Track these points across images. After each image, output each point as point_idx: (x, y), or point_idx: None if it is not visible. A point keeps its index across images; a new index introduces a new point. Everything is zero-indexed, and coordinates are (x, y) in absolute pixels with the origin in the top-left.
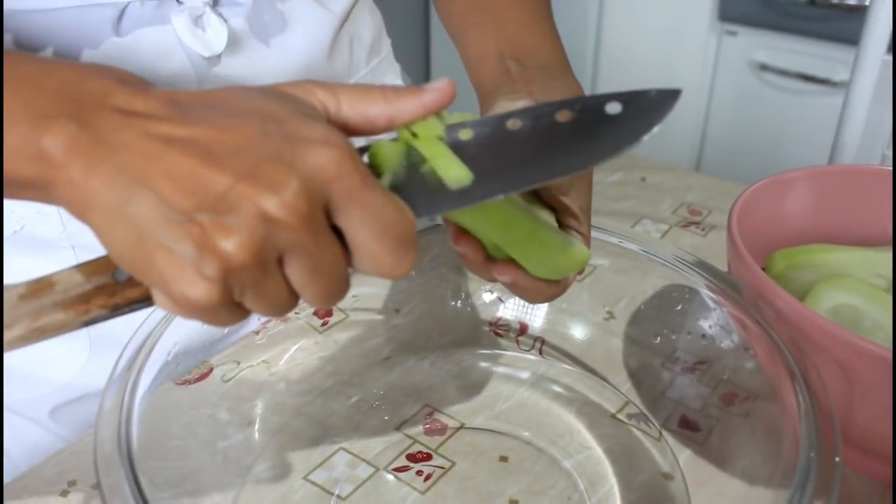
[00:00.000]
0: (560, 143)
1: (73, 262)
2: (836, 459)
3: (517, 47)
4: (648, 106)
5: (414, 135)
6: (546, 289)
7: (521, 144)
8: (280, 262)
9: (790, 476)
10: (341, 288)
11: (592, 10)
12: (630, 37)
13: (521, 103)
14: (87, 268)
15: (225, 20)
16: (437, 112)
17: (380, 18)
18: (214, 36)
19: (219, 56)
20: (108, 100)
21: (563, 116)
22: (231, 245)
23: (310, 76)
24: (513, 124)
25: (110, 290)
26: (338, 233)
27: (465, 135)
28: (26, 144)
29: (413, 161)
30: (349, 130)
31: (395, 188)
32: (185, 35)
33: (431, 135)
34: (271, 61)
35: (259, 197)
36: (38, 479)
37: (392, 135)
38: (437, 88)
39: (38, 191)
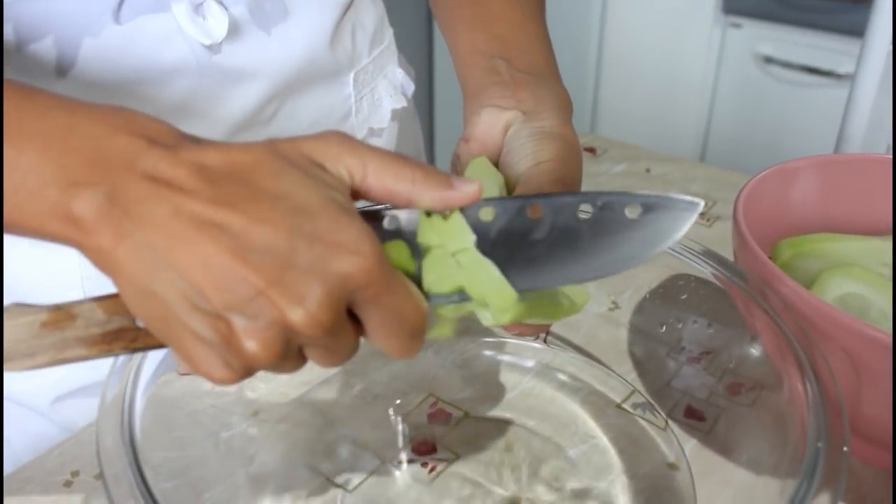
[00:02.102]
0: (578, 246)
1: (75, 254)
2: (845, 449)
3: (507, 47)
4: (667, 216)
5: (453, 254)
6: (543, 328)
7: (540, 239)
8: (300, 347)
9: (797, 466)
10: (352, 354)
11: (596, 3)
12: (634, 29)
13: (508, 115)
14: (108, 304)
15: (225, 8)
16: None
17: (382, 7)
18: (215, 24)
19: (219, 44)
20: (137, 163)
21: (584, 213)
22: (256, 348)
23: (312, 65)
24: (533, 212)
25: (132, 334)
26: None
27: (487, 215)
28: (56, 208)
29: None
30: (369, 197)
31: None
32: (186, 23)
33: (467, 244)
34: (272, 50)
35: (286, 307)
36: (41, 470)
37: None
38: (465, 190)
39: (69, 245)
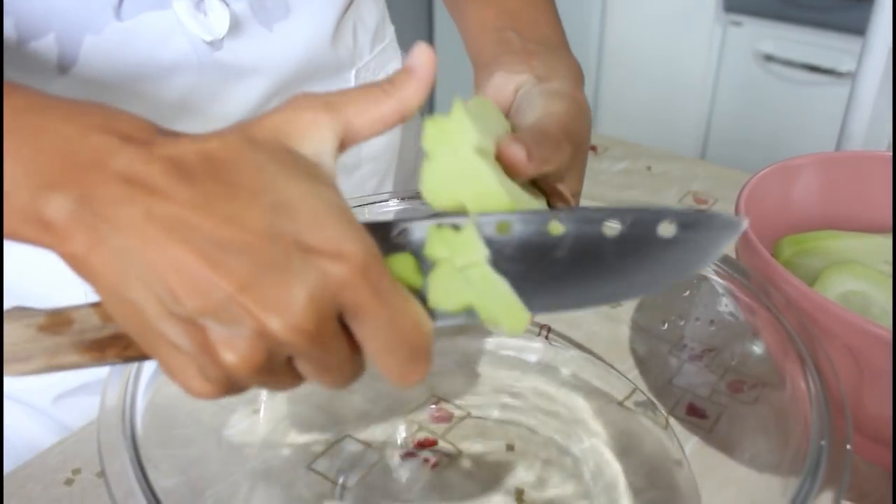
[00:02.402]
0: (603, 266)
1: None
2: (848, 447)
3: (517, 21)
4: (706, 234)
5: (462, 269)
6: None
7: (563, 258)
8: (290, 358)
9: (800, 464)
10: (355, 375)
11: (597, 1)
12: (635, 27)
13: (520, 77)
14: (104, 311)
15: (227, 4)
16: (462, 105)
17: (383, 4)
18: (216, 20)
19: (221, 41)
20: (110, 163)
21: (610, 230)
22: (232, 358)
23: (313, 62)
24: (555, 228)
25: (125, 341)
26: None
27: (503, 229)
28: (29, 212)
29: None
30: (363, 137)
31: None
32: (187, 19)
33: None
34: (274, 46)
35: (261, 314)
36: (42, 468)
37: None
38: (420, 62)
39: (43, 248)
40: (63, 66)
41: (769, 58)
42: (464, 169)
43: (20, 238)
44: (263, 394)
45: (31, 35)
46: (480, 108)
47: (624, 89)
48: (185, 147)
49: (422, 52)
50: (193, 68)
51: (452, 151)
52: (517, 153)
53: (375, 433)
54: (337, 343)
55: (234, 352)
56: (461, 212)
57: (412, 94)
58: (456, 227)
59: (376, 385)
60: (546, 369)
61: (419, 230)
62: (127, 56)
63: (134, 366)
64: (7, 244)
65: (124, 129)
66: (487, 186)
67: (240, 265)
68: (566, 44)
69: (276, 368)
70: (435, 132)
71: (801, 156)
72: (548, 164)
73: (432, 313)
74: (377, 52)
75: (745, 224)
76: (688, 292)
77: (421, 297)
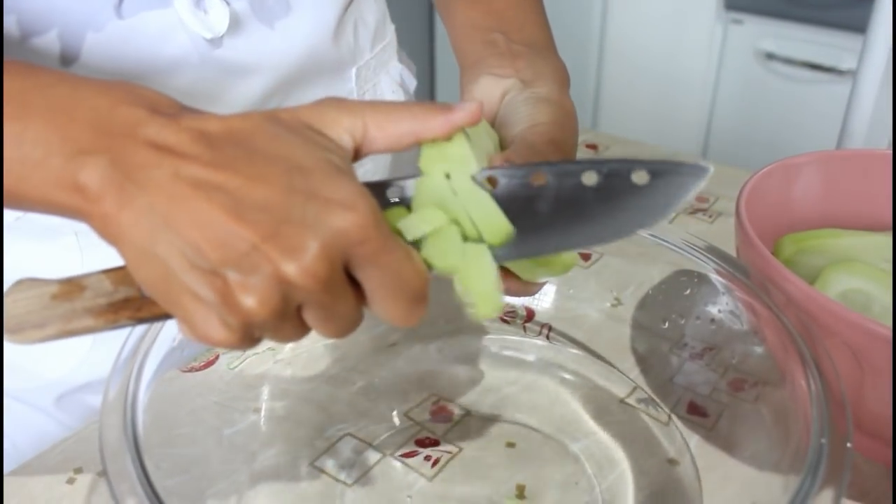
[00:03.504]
0: (584, 213)
1: (76, 247)
2: (848, 445)
3: (505, 22)
4: (675, 181)
5: (448, 176)
6: (533, 288)
7: (545, 206)
8: (298, 308)
9: (800, 462)
10: (355, 324)
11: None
12: (636, 25)
13: (506, 82)
14: (116, 276)
15: (227, 2)
16: (463, 130)
17: (383, 3)
18: (216, 18)
19: (221, 38)
20: (140, 131)
21: (588, 179)
22: (252, 303)
23: (314, 60)
24: (537, 179)
25: (137, 304)
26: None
27: (490, 183)
28: (62, 177)
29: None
30: (376, 148)
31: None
32: (187, 17)
33: (465, 168)
34: (275, 44)
35: (280, 261)
36: (43, 467)
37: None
38: (465, 108)
39: (73, 216)
40: (65, 63)
41: (770, 56)
42: (460, 193)
43: (51, 205)
44: (265, 392)
45: (34, 32)
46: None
47: (625, 88)
48: (209, 120)
49: (473, 104)
50: (194, 66)
51: (451, 177)
52: None
53: (376, 432)
54: (344, 290)
55: (253, 297)
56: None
57: (437, 126)
58: (448, 139)
59: (377, 386)
60: (547, 368)
61: (411, 188)
62: (128, 53)
63: (136, 365)
64: (7, 242)
65: (152, 102)
66: (485, 211)
67: (261, 218)
68: (553, 45)
69: (288, 315)
70: (435, 155)
71: (801, 154)
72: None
73: (427, 263)
74: (378, 51)
75: (710, 169)
76: (689, 291)
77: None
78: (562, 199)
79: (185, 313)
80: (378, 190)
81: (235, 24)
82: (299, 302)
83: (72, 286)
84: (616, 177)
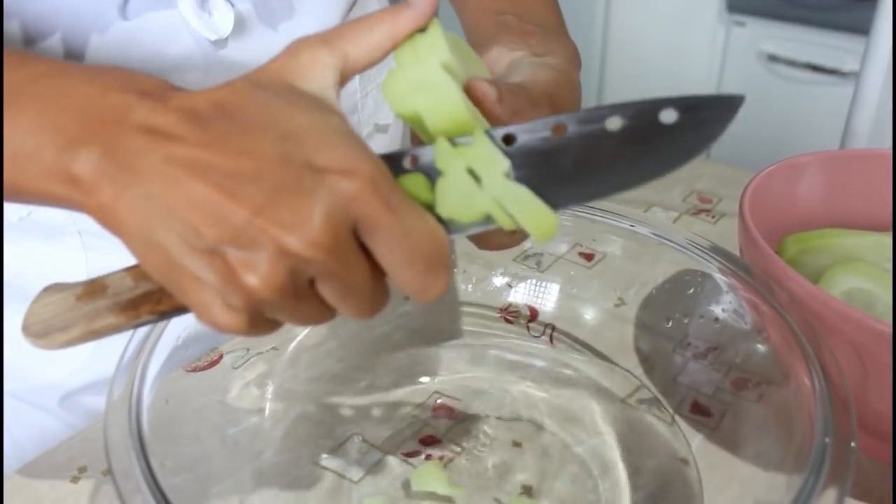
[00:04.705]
0: (610, 158)
1: (80, 247)
2: (852, 444)
3: (517, 5)
4: (707, 115)
5: (453, 143)
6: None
7: (570, 156)
8: (312, 282)
9: (804, 461)
10: (379, 301)
11: (600, 1)
12: (638, 27)
13: (518, 54)
14: (136, 272)
15: (232, 4)
16: (434, 13)
17: (386, 4)
18: (221, 19)
19: (225, 40)
20: (130, 116)
21: (613, 124)
22: (254, 280)
23: None
24: (559, 130)
25: (157, 297)
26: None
27: (508, 141)
28: (56, 169)
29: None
30: (363, 67)
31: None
32: (192, 18)
33: (497, 169)
34: (279, 46)
35: (280, 234)
36: (48, 466)
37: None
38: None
39: (72, 207)
40: None
41: (773, 58)
42: (429, 80)
43: (48, 198)
44: (269, 392)
45: (38, 35)
46: (459, 46)
47: (627, 89)
48: (196, 98)
49: None
50: (199, 67)
51: (421, 62)
52: (488, 92)
53: (380, 431)
54: (355, 259)
55: (255, 273)
56: (418, 121)
57: (404, 23)
58: (472, 135)
59: (381, 385)
60: (551, 367)
61: (429, 154)
62: (132, 55)
63: (140, 365)
64: (7, 243)
65: (140, 86)
66: (450, 99)
67: (254, 191)
68: (564, 28)
69: (300, 292)
70: (408, 45)
71: (804, 154)
72: (519, 116)
73: (447, 226)
74: None
75: (742, 99)
76: (692, 290)
77: (437, 216)
78: (587, 146)
79: (191, 298)
80: (393, 160)
81: (240, 25)
82: (310, 276)
83: (95, 286)
84: (642, 117)
